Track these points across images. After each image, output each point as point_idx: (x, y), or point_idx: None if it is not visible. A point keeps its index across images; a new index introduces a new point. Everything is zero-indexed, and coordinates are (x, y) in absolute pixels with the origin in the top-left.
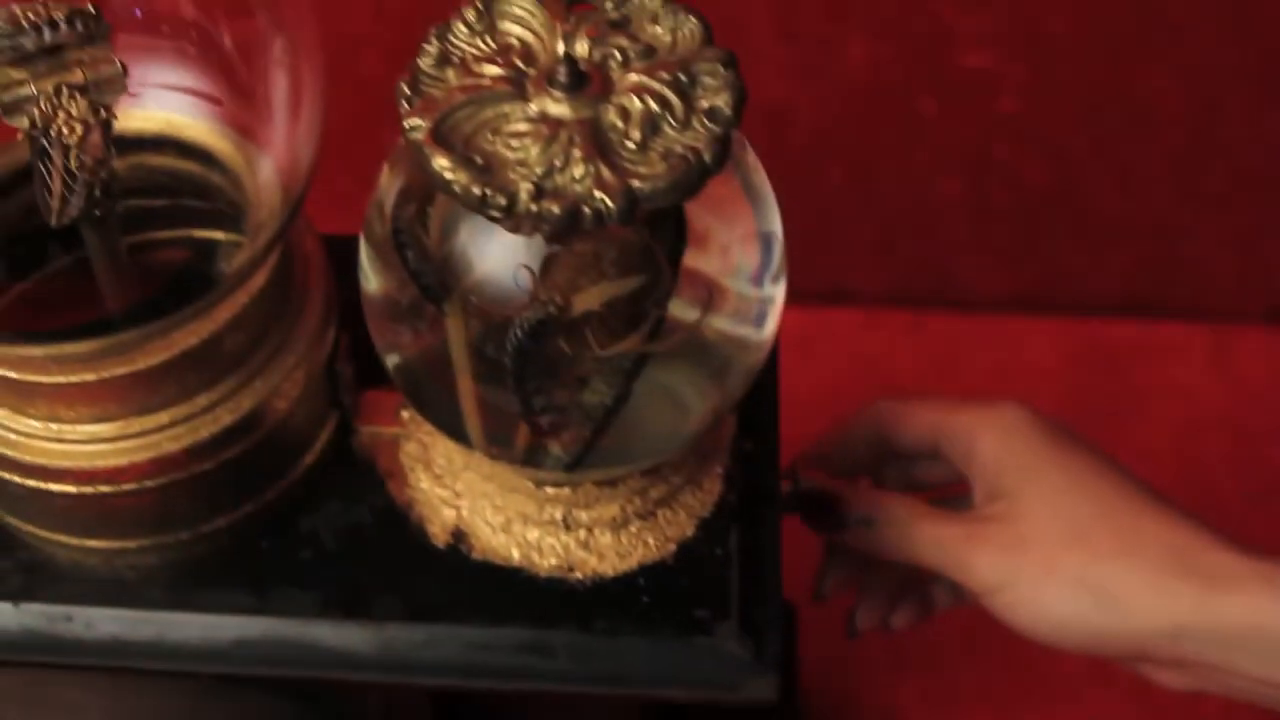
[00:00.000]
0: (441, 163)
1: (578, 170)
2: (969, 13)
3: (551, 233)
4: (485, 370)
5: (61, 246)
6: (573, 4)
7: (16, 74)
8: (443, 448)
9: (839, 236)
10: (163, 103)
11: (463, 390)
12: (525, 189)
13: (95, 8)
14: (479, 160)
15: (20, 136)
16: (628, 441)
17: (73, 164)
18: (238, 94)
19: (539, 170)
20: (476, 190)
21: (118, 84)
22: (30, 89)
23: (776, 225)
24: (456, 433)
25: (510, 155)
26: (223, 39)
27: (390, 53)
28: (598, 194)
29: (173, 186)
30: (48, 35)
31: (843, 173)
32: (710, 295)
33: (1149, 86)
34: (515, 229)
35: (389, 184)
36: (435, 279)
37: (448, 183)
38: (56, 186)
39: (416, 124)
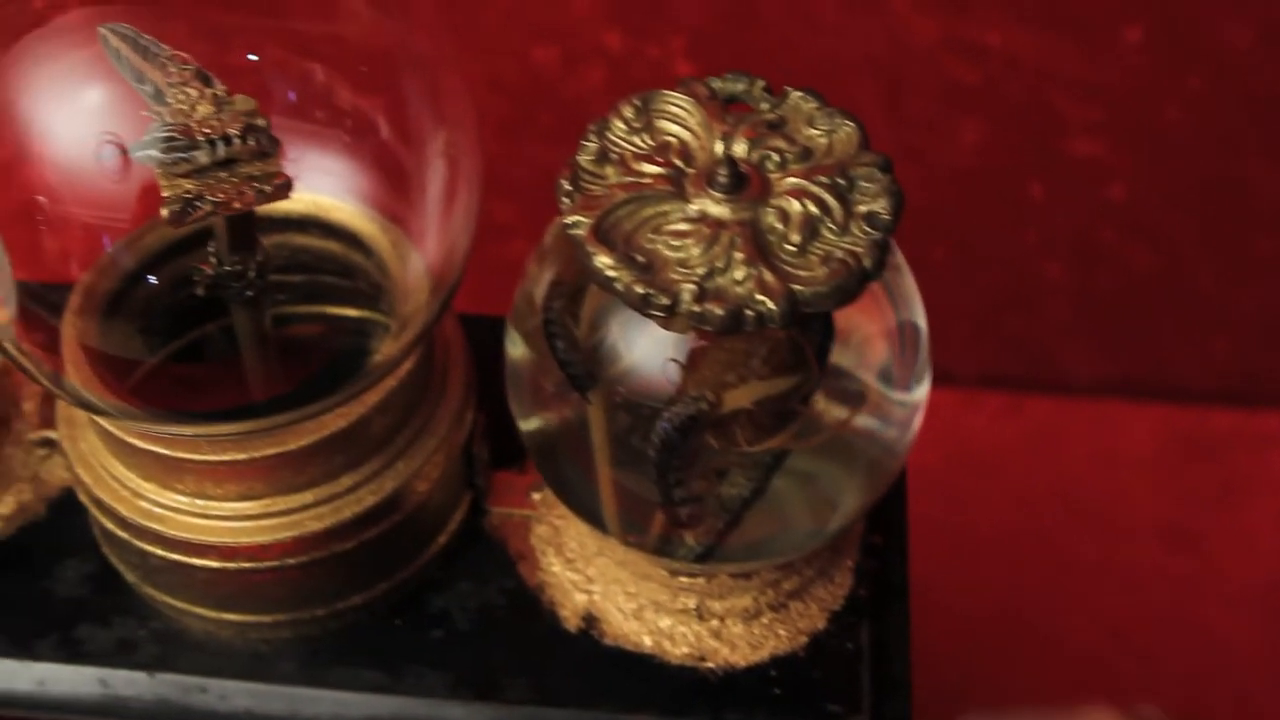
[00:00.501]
0: (604, 261)
1: (739, 272)
2: (1082, 102)
3: (712, 332)
4: (626, 458)
5: (211, 324)
6: (729, 103)
7: (188, 184)
8: (575, 532)
9: (940, 316)
10: (312, 183)
11: (602, 477)
12: (688, 290)
13: (266, 120)
14: (640, 259)
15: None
16: (762, 535)
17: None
18: (392, 184)
19: (700, 271)
20: (639, 290)
21: (284, 196)
22: (202, 201)
23: (921, 321)
24: (593, 518)
25: (671, 255)
26: (380, 129)
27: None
28: (760, 297)
29: (315, 265)
30: (221, 150)
31: (946, 252)
32: (856, 395)
33: (1256, 177)
34: (674, 327)
35: (538, 274)
36: (583, 368)
37: (609, 280)
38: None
39: (578, 221)
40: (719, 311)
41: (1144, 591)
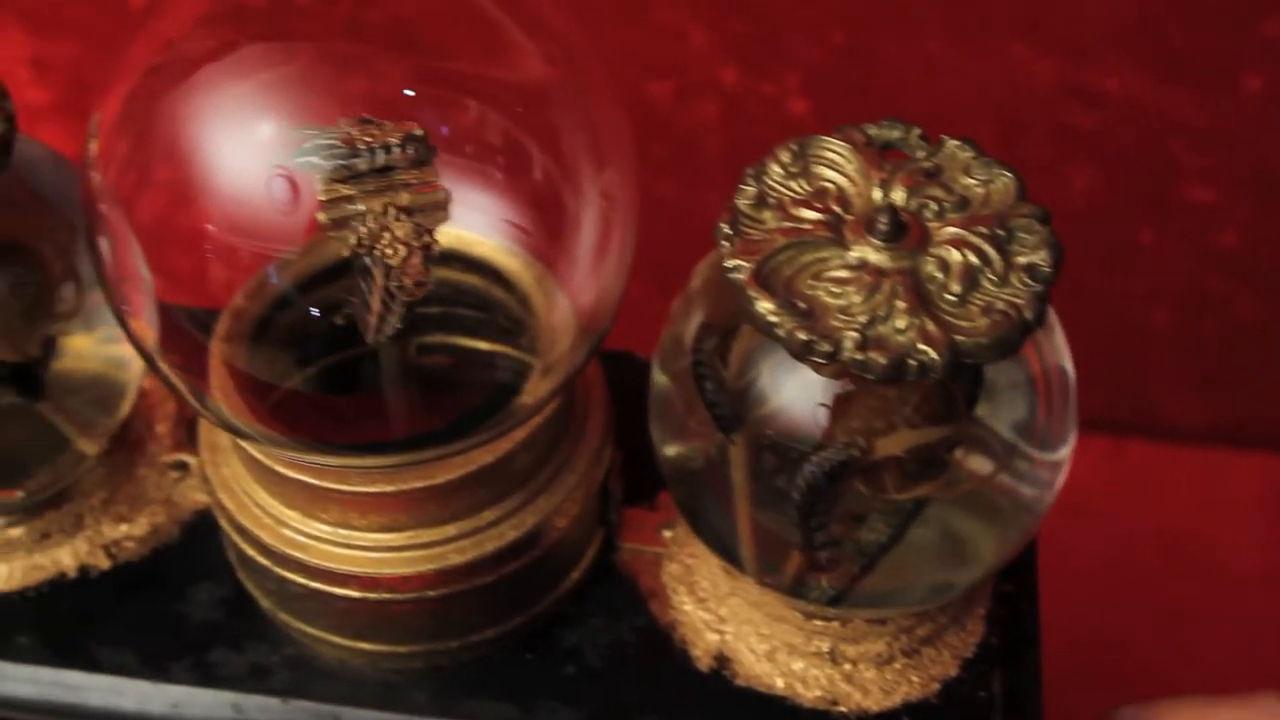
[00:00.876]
0: (766, 306)
1: (901, 321)
2: (1197, 149)
3: (872, 381)
4: (767, 498)
5: (357, 353)
6: (885, 149)
7: (345, 189)
8: (707, 571)
9: None
10: (459, 218)
11: (741, 515)
12: (850, 338)
13: (423, 131)
14: (801, 305)
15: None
16: (896, 583)
17: (392, 284)
18: (543, 222)
19: (862, 319)
20: (801, 336)
21: (441, 208)
22: (358, 206)
23: (1070, 376)
24: (729, 556)
25: (832, 301)
26: (533, 166)
27: None
28: (922, 346)
29: (458, 300)
30: (380, 157)
31: (1053, 294)
32: (1001, 447)
33: None
34: (830, 374)
35: (687, 316)
36: (729, 409)
37: (771, 326)
38: (375, 305)
39: (738, 265)
40: (881, 360)
41: (1247, 639)
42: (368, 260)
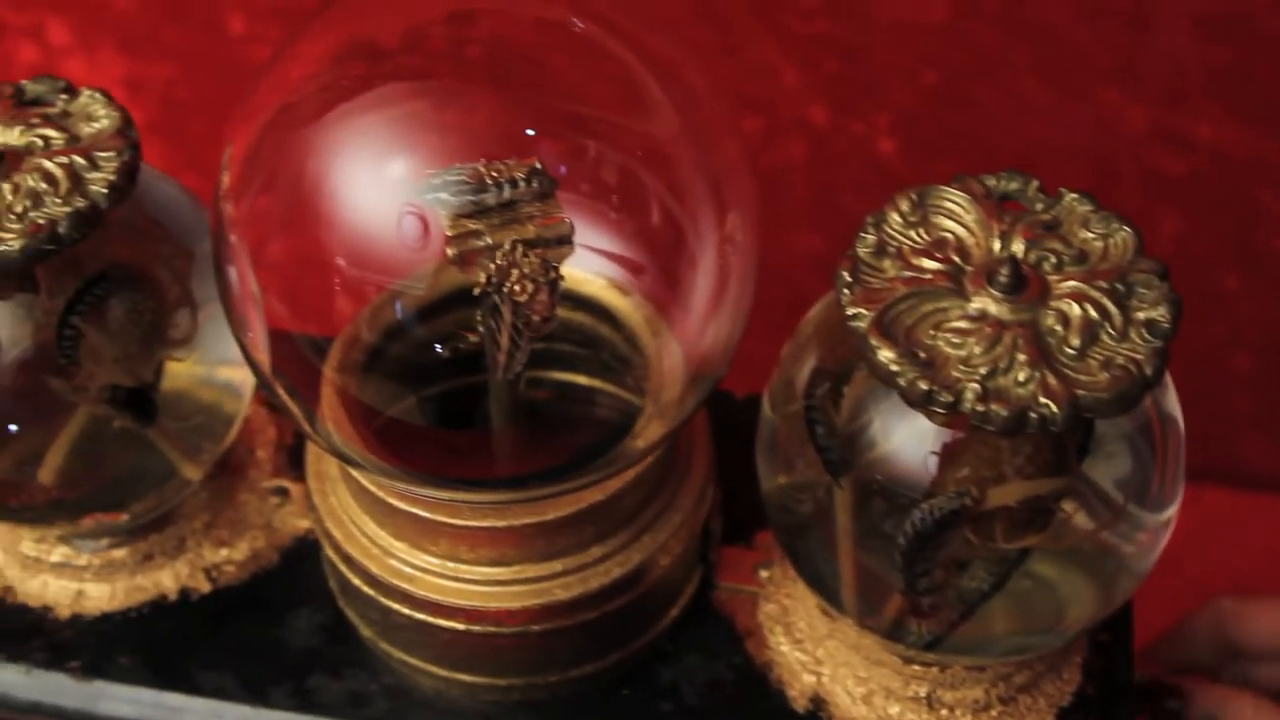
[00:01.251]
0: (887, 355)
1: (1022, 374)
2: None
3: (991, 432)
4: (871, 542)
5: (469, 387)
6: (1003, 200)
7: (472, 224)
8: (805, 611)
9: None
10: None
11: (844, 557)
12: (972, 389)
13: (542, 165)
14: (922, 355)
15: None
16: (996, 630)
17: (519, 321)
18: (659, 267)
19: (983, 370)
20: (923, 386)
21: (566, 241)
22: (485, 240)
23: (1180, 437)
24: (831, 597)
25: (952, 352)
26: (654, 211)
27: None
28: (1043, 400)
29: (569, 338)
30: (506, 191)
31: None
32: (1110, 502)
33: None
34: (951, 425)
35: (799, 360)
36: (839, 453)
37: (892, 375)
38: (504, 342)
39: (859, 314)
40: (1003, 413)
41: None
42: (496, 298)
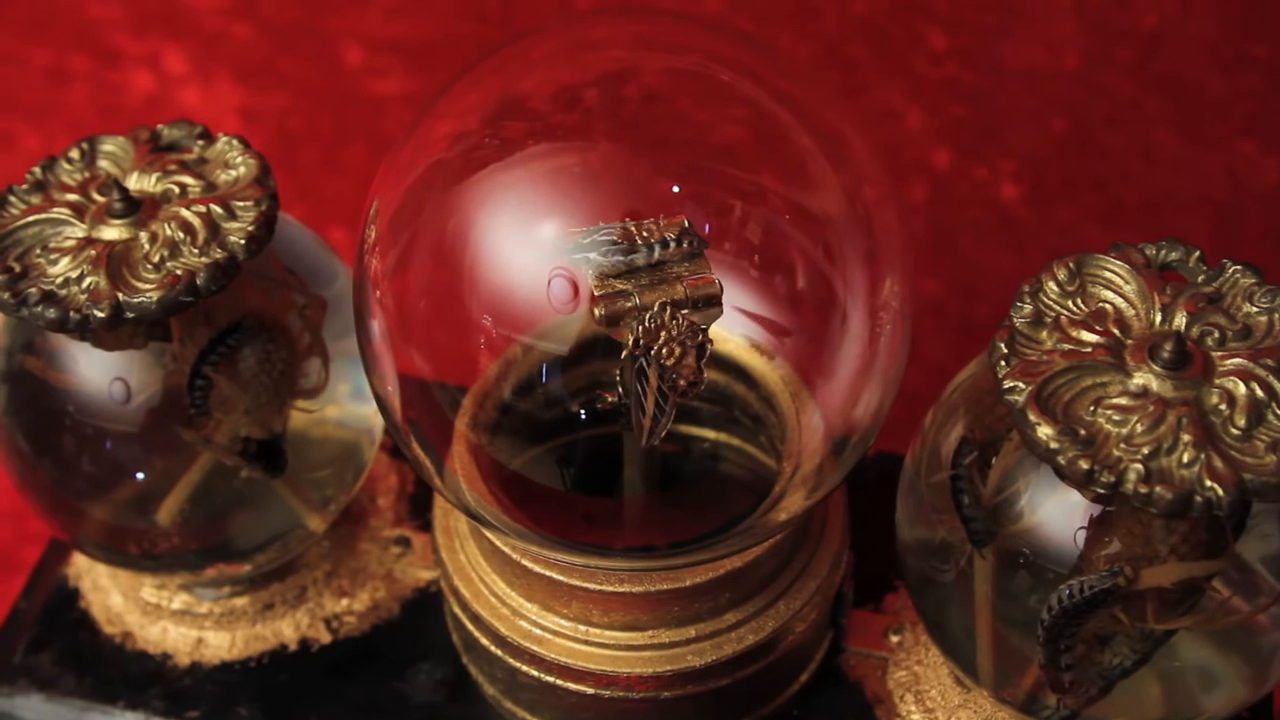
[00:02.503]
0: (1046, 432)
1: (1186, 455)
2: None
3: (1154, 515)
4: (1013, 614)
5: (605, 450)
6: (1163, 270)
7: (620, 284)
8: (936, 680)
9: None
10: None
11: (982, 629)
12: (1135, 470)
13: (690, 224)
14: (1082, 432)
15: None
16: (1136, 708)
17: (666, 385)
18: (803, 329)
19: (1145, 450)
20: (1083, 465)
21: (715, 302)
22: (633, 301)
23: None
24: (967, 667)
25: (1113, 430)
26: (799, 270)
27: None
28: (1209, 483)
29: (709, 399)
30: (657, 251)
31: None
32: (1269, 584)
33: None
34: (1110, 503)
35: (946, 429)
36: (984, 524)
37: (1051, 453)
38: (650, 407)
39: (1017, 387)
40: (1167, 495)
41: None
42: (644, 361)
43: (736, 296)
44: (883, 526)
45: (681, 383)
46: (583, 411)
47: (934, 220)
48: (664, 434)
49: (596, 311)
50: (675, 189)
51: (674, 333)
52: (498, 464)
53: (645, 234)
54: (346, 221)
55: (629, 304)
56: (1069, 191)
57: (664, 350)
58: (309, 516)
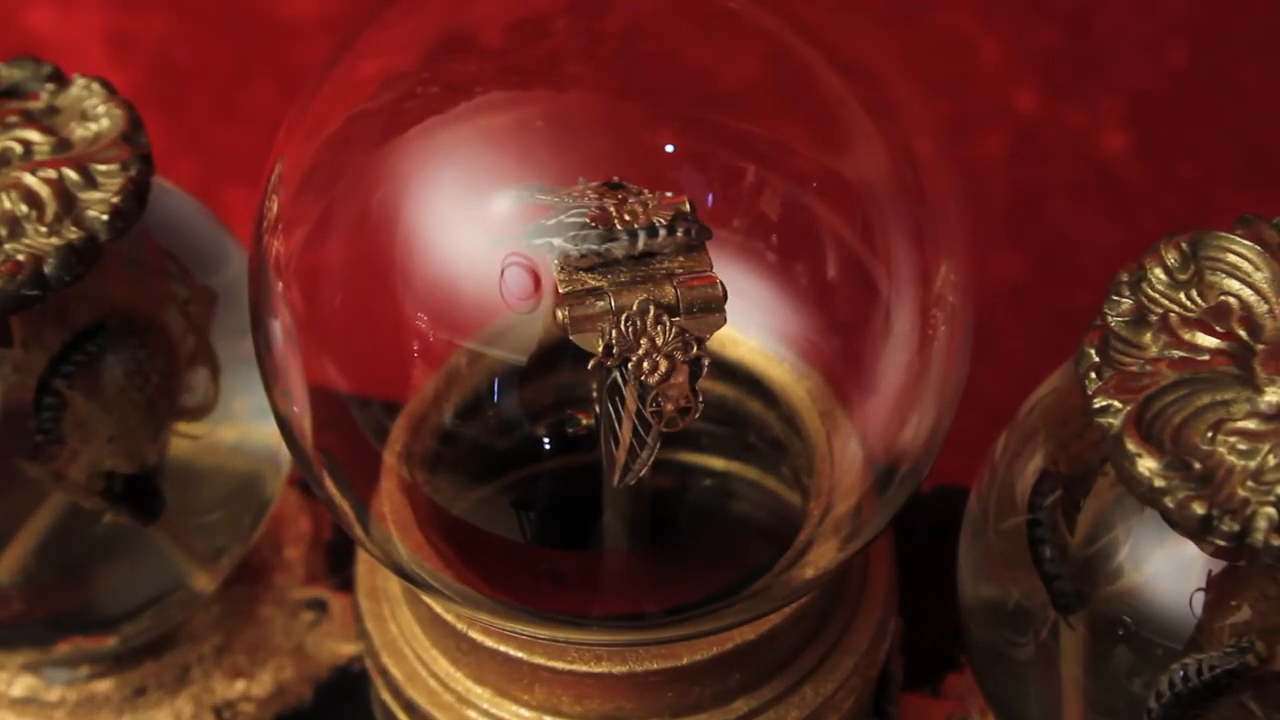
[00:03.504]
0: (1149, 466)
1: None
2: None
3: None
4: (1109, 700)
5: (575, 489)
6: None
7: (593, 280)
8: None
9: None
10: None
11: (1070, 718)
12: (1265, 516)
13: (692, 206)
14: (1196, 466)
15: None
16: None
17: (648, 409)
18: (834, 331)
19: None
20: (1198, 509)
21: (715, 309)
22: (609, 303)
23: None
24: None
25: (1238, 463)
26: (830, 254)
27: None
28: None
29: (713, 418)
30: (642, 240)
31: None
32: None
33: None
34: (1235, 558)
35: (1021, 460)
36: (1071, 584)
37: (1155, 494)
38: (625, 436)
39: (1111, 406)
40: None
41: None
42: (618, 376)
43: (750, 287)
44: (940, 586)
45: (669, 407)
46: (548, 438)
47: (1015, 180)
48: (642, 473)
49: (560, 314)
50: (668, 149)
51: (659, 341)
52: (438, 507)
53: (627, 216)
54: (248, 180)
55: (601, 306)
56: (1193, 142)
57: (645, 365)
58: (194, 574)
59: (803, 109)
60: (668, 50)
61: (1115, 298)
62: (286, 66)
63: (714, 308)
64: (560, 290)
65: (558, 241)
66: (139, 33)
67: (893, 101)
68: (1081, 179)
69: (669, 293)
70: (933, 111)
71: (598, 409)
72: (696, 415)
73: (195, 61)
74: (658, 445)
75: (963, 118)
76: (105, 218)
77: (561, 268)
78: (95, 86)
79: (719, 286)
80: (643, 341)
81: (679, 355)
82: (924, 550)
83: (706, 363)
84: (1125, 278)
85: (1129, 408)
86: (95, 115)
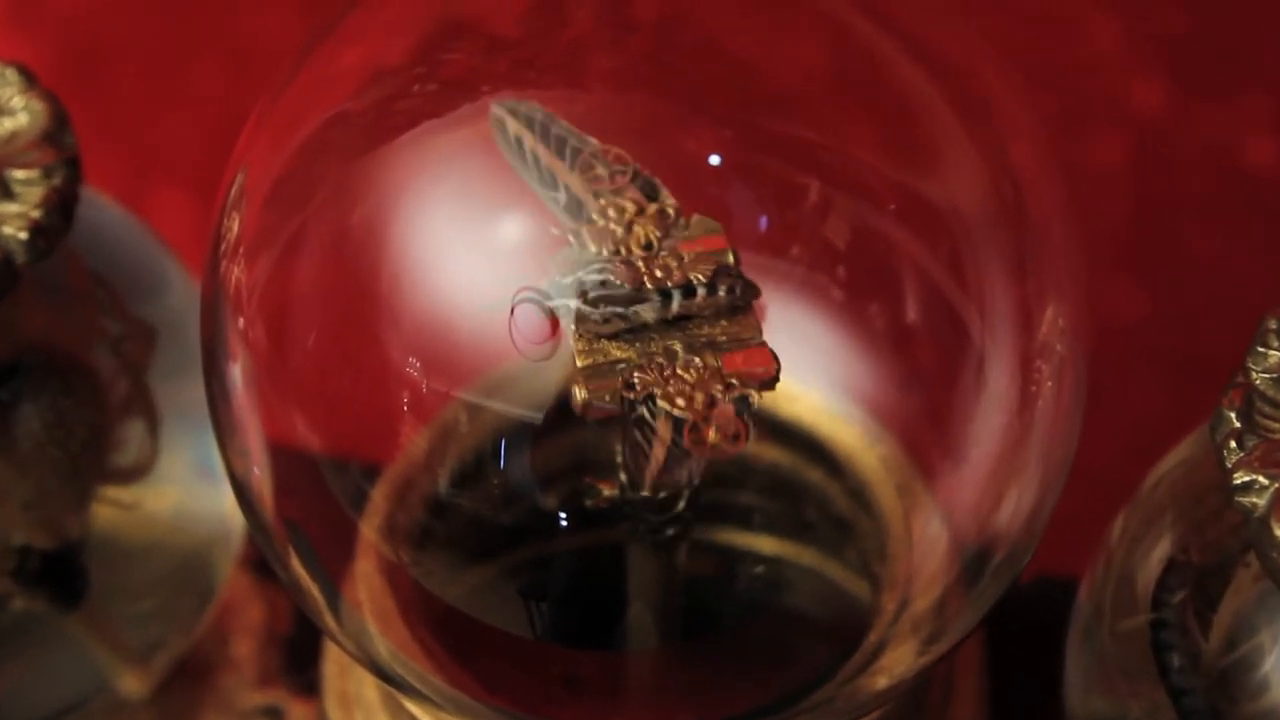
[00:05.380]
0: None
1: None
2: None
3: None
4: None
5: (595, 573)
6: None
7: (617, 350)
8: None
9: None
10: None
11: None
12: None
13: (736, 256)
14: None
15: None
16: None
17: (686, 438)
18: (914, 386)
19: None
20: None
21: (768, 386)
22: (631, 379)
23: None
24: None
25: None
26: (909, 293)
27: None
28: None
29: (757, 488)
30: (676, 303)
31: None
32: None
33: None
34: None
35: (1143, 545)
36: (1205, 699)
37: None
38: (656, 458)
39: (1255, 483)
40: None
41: None
42: (645, 411)
43: (811, 331)
44: (1043, 700)
45: (711, 433)
46: (563, 511)
47: (1140, 195)
48: (677, 537)
49: (578, 394)
50: (713, 160)
51: (688, 378)
52: (427, 594)
53: (659, 272)
54: (186, 183)
55: (623, 376)
56: None
57: (678, 400)
58: (123, 674)
59: (875, 111)
60: (712, 40)
61: (1261, 349)
62: (232, 42)
63: (766, 386)
64: (578, 364)
65: (575, 304)
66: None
67: (987, 101)
68: (1220, 195)
69: (716, 385)
70: (1036, 113)
71: (621, 453)
72: (748, 442)
73: (120, 34)
74: (701, 470)
75: (1073, 120)
76: (23, 236)
77: (580, 334)
78: (10, 74)
79: (771, 359)
80: (670, 382)
81: (719, 393)
82: (1022, 657)
83: (755, 399)
84: (1274, 324)
85: (1277, 485)
86: (11, 110)
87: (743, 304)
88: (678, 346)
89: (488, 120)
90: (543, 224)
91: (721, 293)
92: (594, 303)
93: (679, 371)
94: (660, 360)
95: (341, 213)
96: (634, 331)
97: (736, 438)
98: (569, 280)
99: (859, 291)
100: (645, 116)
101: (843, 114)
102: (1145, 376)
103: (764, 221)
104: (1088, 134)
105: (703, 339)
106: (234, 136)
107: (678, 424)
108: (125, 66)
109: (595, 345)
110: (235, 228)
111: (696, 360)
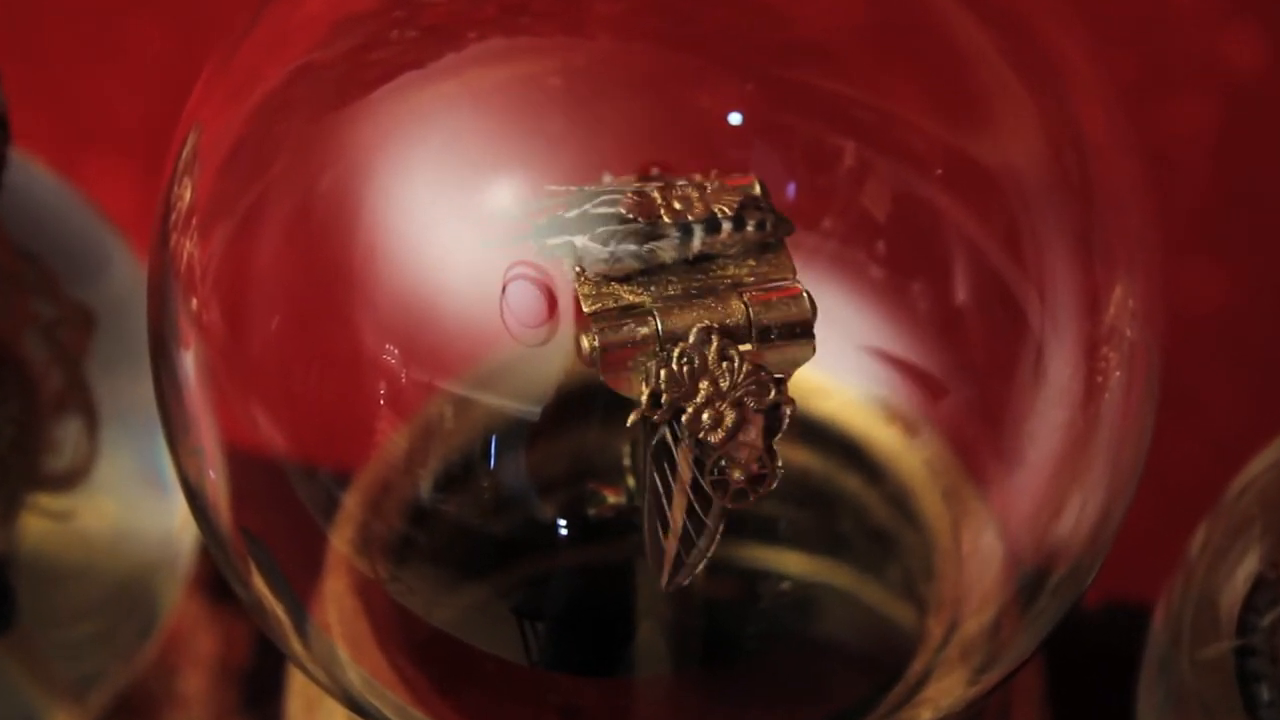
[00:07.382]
0: None
1: None
2: None
3: None
4: None
5: (598, 593)
6: None
7: (630, 294)
8: None
9: None
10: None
11: None
12: None
13: (763, 188)
14: None
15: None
16: None
17: (706, 479)
18: (963, 377)
19: None
20: None
21: (802, 331)
22: (653, 326)
23: None
24: None
25: None
26: (958, 270)
27: None
28: None
29: (786, 497)
30: (698, 239)
31: None
32: None
33: None
34: None
35: (1225, 561)
36: None
37: None
38: (677, 518)
39: None
40: None
41: None
42: (668, 432)
43: (846, 316)
44: None
45: (737, 474)
46: (563, 521)
47: (1224, 166)
48: (699, 569)
49: (585, 343)
50: (733, 119)
51: (724, 385)
52: (407, 615)
53: (677, 204)
54: (128, 148)
55: (643, 331)
56: None
57: (704, 416)
58: (54, 711)
59: (921, 65)
60: None
61: None
62: None
63: (799, 332)
64: (585, 309)
65: (581, 241)
66: None
67: (1050, 56)
68: None
69: (736, 310)
70: (1109, 70)
71: (635, 480)
72: (775, 484)
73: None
74: (721, 530)
75: (1152, 79)
76: None
77: (587, 277)
78: None
79: (805, 300)
80: (702, 385)
81: (752, 402)
82: (1088, 688)
83: (789, 413)
84: None
85: None
86: None
87: (774, 241)
88: (714, 325)
89: (476, 70)
90: (539, 191)
91: (750, 227)
92: (603, 239)
93: (710, 367)
94: (693, 356)
95: (308, 178)
96: (649, 273)
97: (761, 481)
98: (574, 214)
99: (901, 269)
100: (654, 66)
101: (882, 65)
102: (1228, 370)
103: (792, 189)
104: (1168, 95)
105: (727, 281)
106: (182, 95)
107: (702, 456)
108: (50, 17)
109: (604, 289)
110: (187, 196)
111: (732, 352)
